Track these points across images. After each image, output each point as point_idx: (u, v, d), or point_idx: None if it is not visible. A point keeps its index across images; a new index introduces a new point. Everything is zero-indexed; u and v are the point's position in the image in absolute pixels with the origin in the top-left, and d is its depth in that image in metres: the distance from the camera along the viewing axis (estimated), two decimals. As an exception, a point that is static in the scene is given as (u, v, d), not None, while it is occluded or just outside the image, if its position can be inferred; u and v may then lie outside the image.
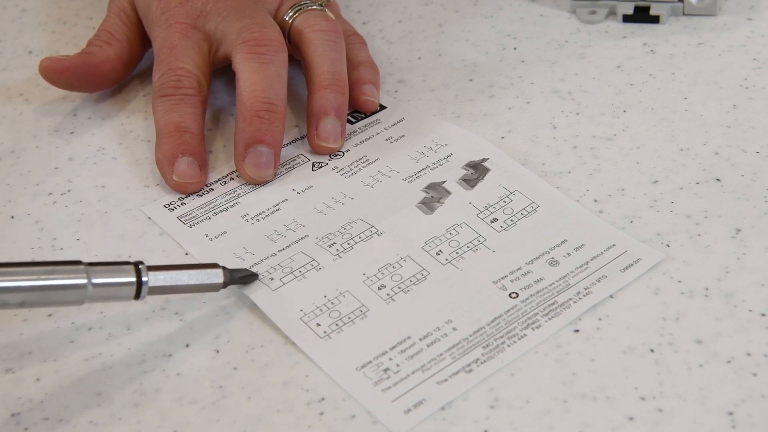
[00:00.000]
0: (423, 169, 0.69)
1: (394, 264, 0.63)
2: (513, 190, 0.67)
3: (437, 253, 0.64)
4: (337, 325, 0.61)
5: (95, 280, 0.57)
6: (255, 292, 0.62)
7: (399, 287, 0.62)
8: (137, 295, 0.59)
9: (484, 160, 0.69)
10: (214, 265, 0.62)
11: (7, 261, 0.60)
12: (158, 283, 0.59)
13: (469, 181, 0.68)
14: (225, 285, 0.62)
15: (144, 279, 0.59)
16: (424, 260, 0.63)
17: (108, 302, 0.61)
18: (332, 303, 0.62)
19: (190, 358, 0.60)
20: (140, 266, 0.59)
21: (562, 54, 0.77)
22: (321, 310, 0.61)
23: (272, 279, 0.63)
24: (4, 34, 0.84)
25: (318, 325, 0.61)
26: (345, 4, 0.82)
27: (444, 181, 0.68)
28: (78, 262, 0.57)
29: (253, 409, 0.58)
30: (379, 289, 0.62)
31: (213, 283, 0.61)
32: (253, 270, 0.63)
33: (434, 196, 0.67)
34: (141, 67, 0.78)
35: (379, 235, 0.65)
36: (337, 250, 0.64)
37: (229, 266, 0.62)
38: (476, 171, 0.68)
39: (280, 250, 0.65)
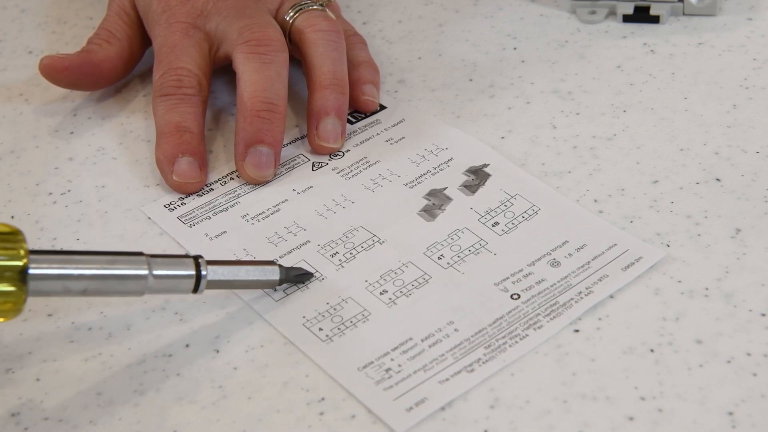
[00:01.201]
0: (424, 174, 0.69)
1: (396, 270, 0.63)
2: (514, 194, 0.67)
3: (439, 258, 0.64)
4: (339, 329, 0.61)
5: (156, 272, 0.58)
6: (258, 302, 0.62)
7: (401, 291, 0.62)
8: (196, 289, 0.59)
9: (485, 165, 0.69)
10: (271, 262, 0.62)
11: (69, 249, 0.60)
12: (216, 277, 0.60)
13: (470, 187, 0.68)
14: (281, 282, 0.62)
15: (203, 273, 0.59)
16: (426, 265, 0.63)
17: (167, 294, 0.61)
18: (335, 309, 0.62)
19: (190, 358, 0.60)
20: (200, 260, 0.59)
21: (562, 54, 0.77)
22: (323, 315, 0.61)
23: (275, 290, 0.63)
24: (4, 34, 0.84)
25: (320, 329, 0.61)
26: (345, 4, 0.82)
27: (445, 188, 0.68)
28: (140, 254, 0.58)
29: (253, 409, 0.58)
30: (381, 294, 0.62)
31: (269, 280, 0.61)
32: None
33: (435, 203, 0.67)
34: (141, 66, 0.78)
35: (381, 243, 0.65)
36: (340, 260, 0.64)
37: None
38: (477, 176, 0.68)
39: (282, 256, 0.65)
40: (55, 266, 0.56)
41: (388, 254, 0.64)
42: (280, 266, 0.62)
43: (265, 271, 0.61)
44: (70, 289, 0.56)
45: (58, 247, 0.67)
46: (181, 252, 0.66)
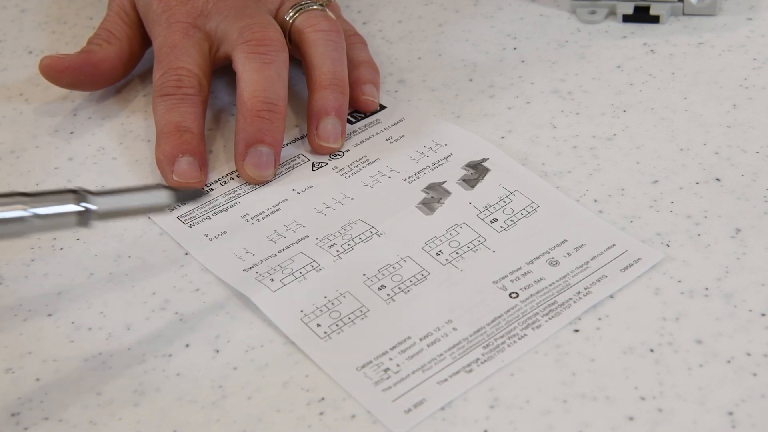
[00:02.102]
0: (423, 170, 0.69)
1: (394, 264, 0.63)
2: (513, 190, 0.67)
3: (437, 254, 0.64)
4: (337, 325, 0.61)
5: (37, 211, 0.56)
6: (255, 293, 0.62)
7: (399, 287, 0.62)
8: (84, 223, 0.57)
9: (484, 160, 0.69)
10: (158, 186, 0.60)
11: None
12: (105, 208, 0.58)
13: (469, 182, 0.68)
14: (172, 205, 0.60)
15: (91, 207, 0.57)
16: (425, 260, 0.63)
17: (53, 231, 0.59)
18: (332, 303, 0.62)
19: (190, 358, 0.60)
20: (81, 192, 0.57)
21: (562, 54, 0.77)
22: (321, 310, 0.61)
23: (272, 280, 0.63)
24: (4, 34, 0.84)
25: (318, 325, 0.61)
26: (345, 4, 0.82)
27: (444, 182, 0.68)
28: (21, 194, 0.56)
29: (253, 409, 0.58)
30: (379, 289, 0.62)
31: (159, 204, 0.60)
32: (252, 270, 0.63)
33: (434, 196, 0.67)
34: (141, 66, 0.78)
35: (379, 235, 0.65)
36: (338, 251, 0.64)
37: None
38: (476, 171, 0.68)
39: (281, 251, 0.65)
40: None
41: (386, 247, 0.64)
42: (168, 188, 0.60)
43: (155, 195, 0.59)
44: None
45: (58, 247, 0.67)
46: (181, 252, 0.66)
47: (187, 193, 0.62)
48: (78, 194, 0.57)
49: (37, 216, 0.56)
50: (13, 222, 0.56)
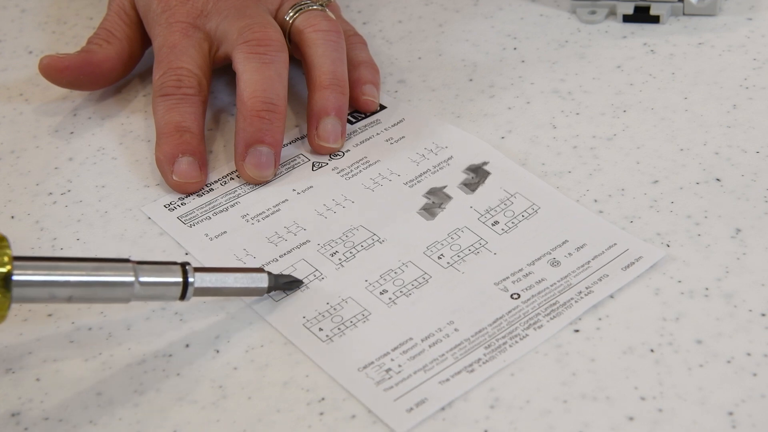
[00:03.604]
0: (424, 173, 0.69)
1: (395, 269, 0.63)
2: (514, 192, 0.67)
3: (439, 257, 0.64)
4: (339, 329, 0.61)
5: (142, 279, 0.57)
6: (258, 302, 0.62)
7: (401, 291, 0.62)
8: (183, 296, 0.59)
9: (485, 163, 0.69)
10: (260, 270, 0.61)
11: (56, 255, 0.60)
12: (204, 285, 0.59)
13: (470, 185, 0.68)
14: (270, 290, 0.62)
15: (190, 280, 0.59)
16: (426, 264, 0.63)
17: (153, 301, 0.61)
18: (334, 309, 0.62)
19: (190, 358, 0.60)
20: (187, 266, 0.59)
21: (562, 54, 0.77)
22: (323, 315, 0.61)
23: (268, 297, 0.63)
24: (4, 34, 0.84)
25: (320, 329, 0.61)
26: (345, 4, 0.82)
27: (445, 186, 0.68)
28: (127, 260, 0.58)
29: (253, 409, 0.58)
30: (381, 293, 0.62)
31: (257, 287, 0.61)
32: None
33: (435, 201, 0.67)
34: (141, 66, 0.78)
35: (381, 242, 0.65)
36: (340, 259, 0.64)
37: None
38: (477, 174, 0.68)
39: (282, 255, 0.65)
40: (40, 272, 0.55)
41: (388, 253, 0.64)
42: (269, 273, 0.62)
43: (254, 278, 0.61)
44: (56, 296, 0.56)
45: (57, 247, 0.67)
46: (181, 252, 0.66)
47: (286, 279, 0.62)
48: (184, 268, 0.58)
49: (141, 283, 0.57)
50: (120, 286, 0.57)
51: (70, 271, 0.56)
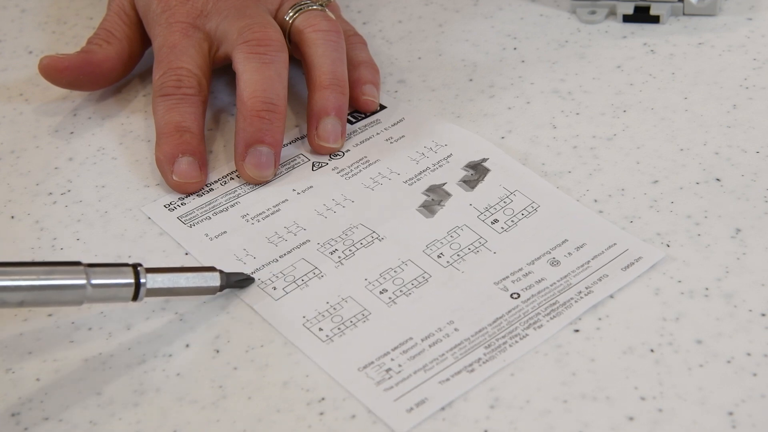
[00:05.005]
0: (423, 171, 0.69)
1: (395, 268, 0.63)
2: (513, 190, 0.67)
3: (438, 256, 0.64)
4: (339, 328, 0.61)
5: (94, 281, 0.57)
6: (258, 301, 0.62)
7: (401, 290, 0.62)
8: (135, 297, 0.59)
9: (484, 160, 0.69)
10: (212, 269, 0.62)
11: (6, 261, 0.60)
12: (156, 285, 0.60)
13: (470, 183, 0.68)
14: (222, 288, 0.62)
15: (142, 281, 0.59)
16: (426, 263, 0.63)
17: (106, 303, 0.61)
18: (334, 308, 0.62)
19: (190, 358, 0.60)
20: (138, 268, 0.59)
21: (562, 54, 0.77)
22: (323, 315, 0.61)
23: (275, 288, 0.63)
24: (4, 34, 0.84)
25: (320, 329, 0.61)
26: (345, 4, 0.82)
27: (444, 183, 0.68)
28: (77, 263, 0.58)
29: (253, 409, 0.58)
30: (380, 293, 0.62)
31: (209, 286, 0.62)
32: (254, 275, 0.63)
33: (434, 198, 0.67)
34: (141, 66, 0.78)
35: (380, 240, 0.65)
36: (339, 257, 0.64)
37: (227, 269, 0.62)
38: (476, 172, 0.68)
39: (282, 256, 0.65)
40: None
41: (387, 252, 0.64)
42: (221, 272, 0.62)
43: (206, 277, 0.61)
44: (6, 301, 0.56)
45: (57, 247, 0.67)
46: (181, 252, 0.66)
47: (238, 277, 0.63)
48: (136, 269, 0.59)
49: (93, 285, 0.57)
50: (71, 289, 0.57)
51: (21, 276, 0.56)
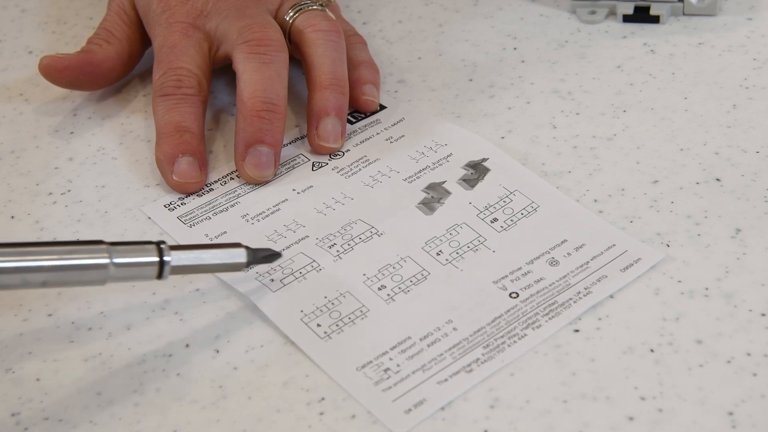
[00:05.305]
0: (423, 169, 0.69)
1: (394, 264, 0.63)
2: (513, 189, 0.67)
3: (437, 254, 0.64)
4: (337, 325, 0.61)
5: (117, 260, 0.57)
6: (255, 293, 0.62)
7: (399, 287, 0.62)
8: (160, 275, 0.58)
9: (484, 159, 0.69)
10: (237, 245, 0.61)
11: (27, 241, 0.59)
12: (181, 263, 0.59)
13: (469, 181, 0.68)
14: (248, 264, 0.61)
15: (166, 258, 0.58)
16: (425, 260, 0.64)
17: (130, 282, 0.60)
18: (332, 304, 0.62)
19: (190, 358, 0.60)
20: (162, 245, 0.58)
21: (562, 54, 0.77)
22: (321, 310, 0.61)
23: (272, 280, 0.63)
24: (4, 34, 0.84)
25: (318, 325, 0.61)
26: (345, 4, 0.82)
27: (444, 181, 0.68)
28: (100, 242, 0.57)
29: (253, 409, 0.58)
30: (379, 289, 0.62)
31: (236, 263, 0.61)
32: (251, 270, 0.63)
33: (434, 196, 0.67)
34: (141, 66, 0.78)
35: (379, 235, 0.65)
36: (338, 251, 0.64)
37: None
38: (476, 171, 0.68)
39: (281, 251, 0.65)
40: (12, 259, 0.55)
41: (386, 247, 0.64)
42: (247, 248, 0.61)
43: (231, 254, 0.60)
44: (29, 282, 0.55)
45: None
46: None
47: (265, 253, 0.62)
48: (159, 247, 0.58)
49: (115, 264, 0.57)
50: (93, 269, 0.56)
51: (43, 256, 0.55)
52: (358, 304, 0.62)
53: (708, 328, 0.59)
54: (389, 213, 0.66)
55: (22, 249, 0.55)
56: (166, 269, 0.58)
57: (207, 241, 0.66)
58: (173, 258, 0.58)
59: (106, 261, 0.56)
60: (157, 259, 0.58)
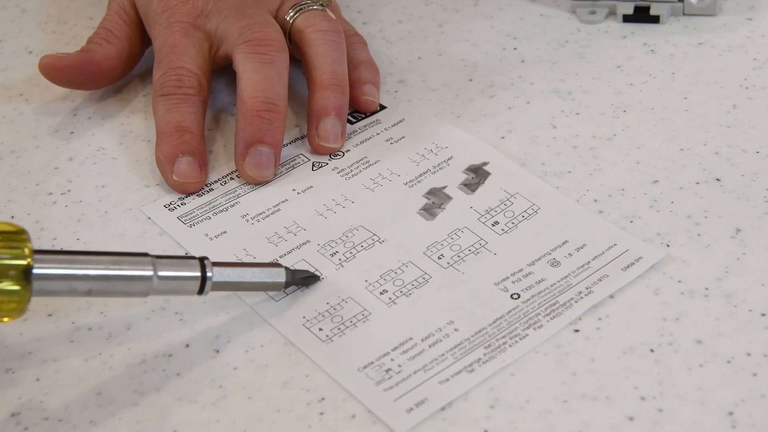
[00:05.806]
0: (424, 173, 0.69)
1: (395, 269, 0.63)
2: (514, 192, 0.67)
3: (439, 258, 0.64)
4: (339, 329, 0.61)
5: (161, 273, 0.57)
6: (258, 301, 0.62)
7: (401, 291, 0.62)
8: (201, 290, 0.59)
9: (485, 163, 0.69)
10: (277, 264, 0.62)
11: (74, 249, 0.60)
12: (222, 279, 0.59)
13: (470, 186, 0.68)
14: (287, 285, 0.62)
15: (209, 274, 0.59)
16: (426, 265, 0.64)
17: (171, 295, 0.60)
18: (334, 309, 0.62)
19: (190, 358, 0.60)
20: (205, 261, 0.59)
21: (562, 54, 0.77)
22: (323, 315, 0.61)
23: (283, 292, 0.63)
24: (4, 34, 0.84)
25: (320, 329, 0.61)
26: (345, 4, 0.82)
27: (445, 186, 0.68)
28: (145, 254, 0.58)
29: (253, 409, 0.58)
30: (381, 293, 0.62)
31: (275, 282, 0.61)
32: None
33: (435, 201, 0.67)
34: (141, 66, 0.78)
35: (381, 242, 0.65)
36: (340, 259, 0.64)
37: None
38: (477, 175, 0.68)
39: (282, 256, 0.65)
40: (59, 266, 0.56)
41: (388, 254, 0.64)
42: (287, 268, 0.62)
43: (272, 273, 0.61)
44: (75, 290, 0.56)
45: (58, 247, 0.67)
46: (182, 252, 0.66)
47: (304, 274, 0.62)
48: (203, 262, 0.59)
49: (159, 277, 0.57)
50: (138, 280, 0.57)
51: (90, 265, 0.56)
52: (359, 308, 0.62)
53: (708, 328, 0.59)
54: (391, 219, 0.66)
55: (70, 257, 0.56)
56: (208, 285, 0.59)
57: (207, 241, 0.66)
58: (215, 274, 0.59)
59: (150, 273, 0.57)
60: (199, 274, 0.58)
